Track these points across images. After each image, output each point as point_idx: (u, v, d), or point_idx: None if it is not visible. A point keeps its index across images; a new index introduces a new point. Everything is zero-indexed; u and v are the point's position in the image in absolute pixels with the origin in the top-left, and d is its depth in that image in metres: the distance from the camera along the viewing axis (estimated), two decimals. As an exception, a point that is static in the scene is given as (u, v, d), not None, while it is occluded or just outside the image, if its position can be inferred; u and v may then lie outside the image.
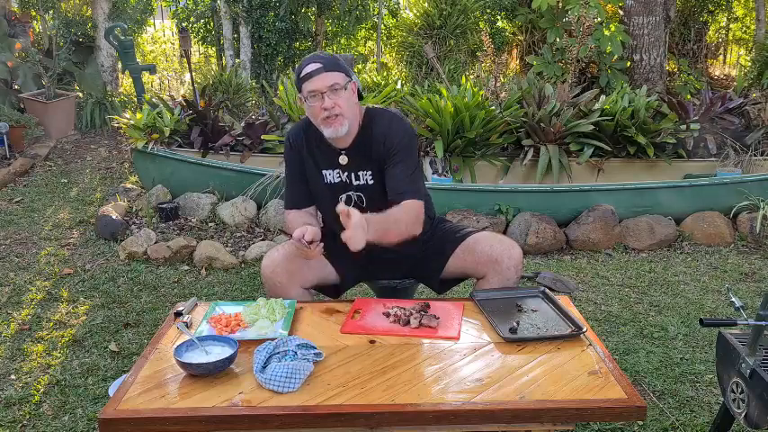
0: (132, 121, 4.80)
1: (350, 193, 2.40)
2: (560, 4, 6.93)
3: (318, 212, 2.55)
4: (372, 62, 8.48)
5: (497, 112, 4.98)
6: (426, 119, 4.88)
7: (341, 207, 2.06)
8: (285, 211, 2.54)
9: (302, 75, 2.22)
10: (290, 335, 1.98)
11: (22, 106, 6.62)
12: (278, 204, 4.43)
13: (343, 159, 2.36)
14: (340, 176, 2.39)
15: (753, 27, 8.70)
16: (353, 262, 2.38)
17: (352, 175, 2.37)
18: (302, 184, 2.45)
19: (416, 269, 2.53)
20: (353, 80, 2.29)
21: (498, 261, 2.34)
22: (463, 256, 2.41)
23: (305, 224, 2.32)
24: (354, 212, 2.03)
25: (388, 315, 2.11)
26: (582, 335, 1.99)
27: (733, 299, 2.01)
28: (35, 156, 6.07)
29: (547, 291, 2.27)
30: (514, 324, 2.05)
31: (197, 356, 1.84)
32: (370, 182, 2.37)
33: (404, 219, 2.23)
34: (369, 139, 2.32)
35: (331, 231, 2.43)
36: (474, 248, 2.39)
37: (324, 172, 2.40)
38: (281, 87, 5.23)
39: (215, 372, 1.80)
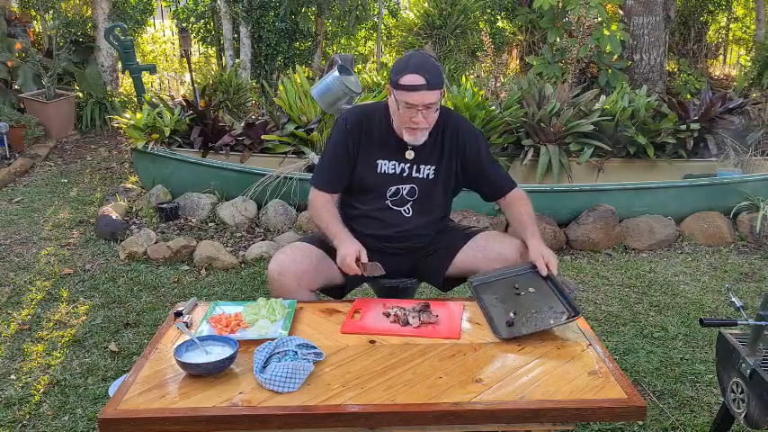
0: (132, 121, 4.80)
1: (399, 186, 2.40)
2: (560, 4, 6.93)
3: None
4: (372, 62, 8.48)
5: (497, 112, 4.97)
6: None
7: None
8: (313, 189, 2.47)
9: (403, 83, 2.20)
10: (290, 335, 1.98)
11: (22, 106, 6.61)
12: (278, 204, 4.43)
13: (410, 154, 2.39)
14: (395, 168, 2.39)
15: (753, 27, 8.69)
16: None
17: (414, 167, 2.39)
18: (342, 168, 2.42)
19: (422, 266, 2.53)
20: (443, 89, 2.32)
21: (508, 259, 2.35)
22: (472, 254, 2.42)
23: (336, 217, 2.38)
24: (542, 258, 2.24)
25: (388, 315, 2.11)
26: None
27: (733, 299, 2.01)
28: (35, 156, 6.06)
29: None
30: (511, 315, 2.04)
31: (197, 356, 1.84)
32: (431, 176, 2.41)
33: (530, 207, 2.47)
34: (441, 136, 2.39)
35: (349, 226, 2.45)
36: (484, 246, 2.41)
37: (379, 161, 2.40)
38: (281, 87, 5.23)
39: (215, 372, 1.80)
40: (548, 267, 2.22)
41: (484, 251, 2.40)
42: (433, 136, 2.38)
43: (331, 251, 2.41)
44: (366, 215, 2.45)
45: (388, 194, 2.42)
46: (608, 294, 3.61)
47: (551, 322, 2.01)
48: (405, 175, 2.40)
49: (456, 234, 2.51)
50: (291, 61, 7.62)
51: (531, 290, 2.19)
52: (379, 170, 2.40)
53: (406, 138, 2.32)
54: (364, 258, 2.26)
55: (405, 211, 2.43)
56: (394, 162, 2.39)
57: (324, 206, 2.43)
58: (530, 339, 1.98)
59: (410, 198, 2.42)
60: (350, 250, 2.25)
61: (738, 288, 3.70)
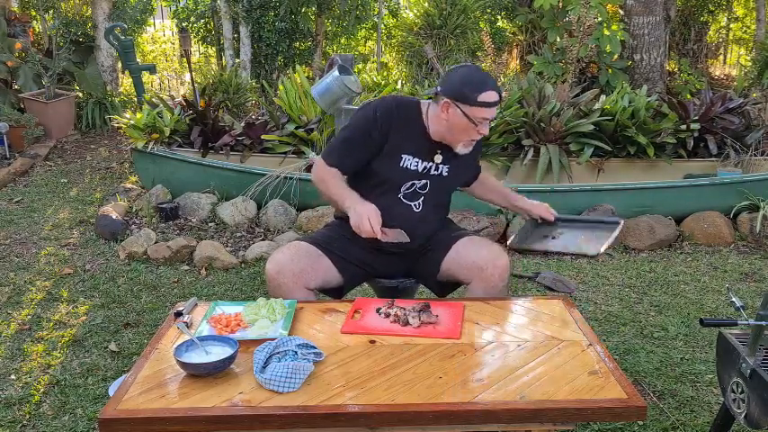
0: (132, 121, 4.80)
1: (415, 181, 2.40)
2: (561, 4, 6.93)
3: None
4: (372, 62, 8.48)
5: (497, 111, 4.97)
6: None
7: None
8: (325, 164, 2.38)
9: (483, 100, 2.22)
10: (290, 335, 1.98)
11: (22, 106, 6.61)
12: (278, 204, 4.43)
13: (438, 158, 2.41)
14: (418, 165, 2.39)
15: (753, 27, 8.70)
16: (357, 262, 2.37)
17: (434, 166, 2.42)
18: (358, 154, 2.38)
19: (417, 268, 2.52)
20: None
21: (483, 268, 2.33)
22: (451, 260, 2.40)
23: (343, 182, 2.37)
24: (543, 206, 2.54)
25: (388, 315, 2.11)
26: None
27: (733, 299, 2.01)
28: (35, 156, 6.06)
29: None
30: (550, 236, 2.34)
31: (197, 356, 1.84)
32: (445, 174, 2.44)
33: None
34: None
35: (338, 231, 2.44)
36: (461, 253, 2.39)
37: (403, 156, 2.38)
38: (281, 87, 5.23)
39: (215, 372, 1.80)
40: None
41: (460, 258, 2.38)
42: None
43: (329, 251, 2.40)
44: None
45: (403, 189, 2.40)
46: (608, 294, 3.61)
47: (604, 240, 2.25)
48: (424, 173, 2.41)
49: (444, 237, 2.48)
50: (291, 61, 7.62)
51: (559, 231, 2.25)
52: (401, 164, 2.37)
53: (461, 150, 2.35)
54: (378, 223, 2.23)
55: (415, 206, 2.41)
56: (417, 160, 2.38)
57: (330, 173, 2.36)
58: (529, 339, 1.99)
59: (422, 192, 2.42)
60: (367, 209, 2.24)
61: (738, 288, 3.70)
